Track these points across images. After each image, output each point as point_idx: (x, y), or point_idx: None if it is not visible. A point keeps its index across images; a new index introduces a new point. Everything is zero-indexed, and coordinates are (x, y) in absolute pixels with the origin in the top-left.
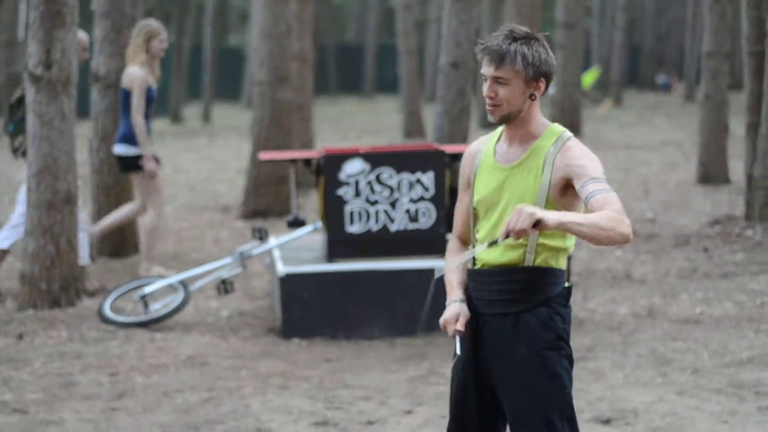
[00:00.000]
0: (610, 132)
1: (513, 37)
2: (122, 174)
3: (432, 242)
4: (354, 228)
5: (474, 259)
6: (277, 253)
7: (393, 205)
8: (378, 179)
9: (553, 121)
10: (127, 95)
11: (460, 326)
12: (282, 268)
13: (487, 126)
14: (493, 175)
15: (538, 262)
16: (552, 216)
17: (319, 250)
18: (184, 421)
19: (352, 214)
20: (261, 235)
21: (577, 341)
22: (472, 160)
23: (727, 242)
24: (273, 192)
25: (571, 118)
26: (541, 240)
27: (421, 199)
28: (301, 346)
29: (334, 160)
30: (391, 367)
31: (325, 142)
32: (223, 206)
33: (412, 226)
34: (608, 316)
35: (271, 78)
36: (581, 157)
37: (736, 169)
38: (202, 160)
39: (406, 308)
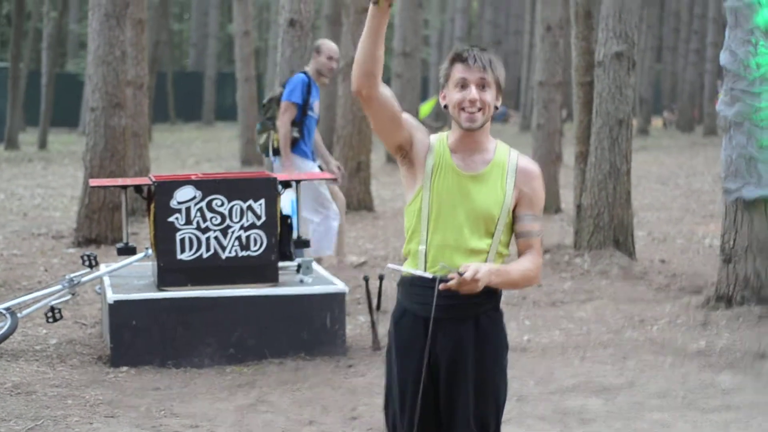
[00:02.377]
0: None
1: (484, 49)
2: None
3: (263, 270)
4: (185, 255)
5: (426, 262)
6: (107, 281)
7: (224, 232)
8: (209, 206)
9: None
10: None
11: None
12: (112, 295)
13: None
14: (452, 179)
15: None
16: (488, 280)
17: (150, 277)
18: None
19: (183, 241)
20: (91, 262)
21: None
22: (428, 145)
23: (557, 270)
24: (106, 219)
25: None
26: (499, 248)
27: (253, 226)
28: (129, 374)
29: (166, 187)
30: (220, 396)
31: (163, 169)
32: (56, 233)
33: (243, 253)
34: None
35: (105, 104)
36: (538, 189)
37: (567, 198)
38: (36, 187)
39: (235, 336)
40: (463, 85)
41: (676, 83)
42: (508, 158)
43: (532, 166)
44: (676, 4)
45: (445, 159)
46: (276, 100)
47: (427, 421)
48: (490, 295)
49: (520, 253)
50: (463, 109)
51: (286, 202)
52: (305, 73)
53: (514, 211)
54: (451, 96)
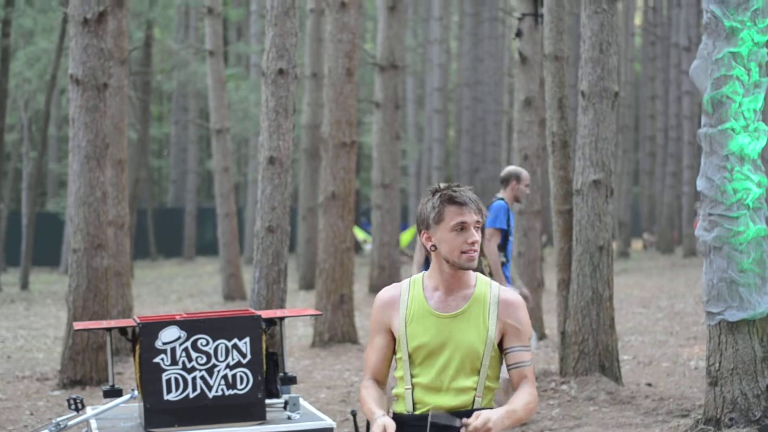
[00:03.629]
0: None
1: (467, 188)
2: None
3: (250, 408)
4: (171, 396)
5: (414, 404)
6: (94, 424)
7: (210, 371)
8: (195, 346)
9: (373, 281)
10: None
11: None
12: None
13: (307, 287)
14: (432, 323)
15: (484, 403)
16: (501, 426)
17: (137, 419)
18: None
19: (169, 381)
20: (77, 406)
21: None
22: (393, 306)
23: (544, 398)
24: (91, 360)
25: (390, 276)
26: (487, 383)
27: (239, 364)
28: None
29: (150, 329)
30: None
31: (145, 306)
32: (40, 375)
33: (230, 392)
34: None
35: (87, 245)
36: (522, 319)
37: (550, 324)
38: (19, 328)
39: None
40: (462, 228)
41: (654, 206)
42: (489, 292)
43: (514, 297)
44: (651, 128)
45: (420, 304)
46: None
47: None
48: None
49: (514, 385)
50: (463, 252)
51: None
52: (502, 199)
53: (501, 344)
54: (447, 239)
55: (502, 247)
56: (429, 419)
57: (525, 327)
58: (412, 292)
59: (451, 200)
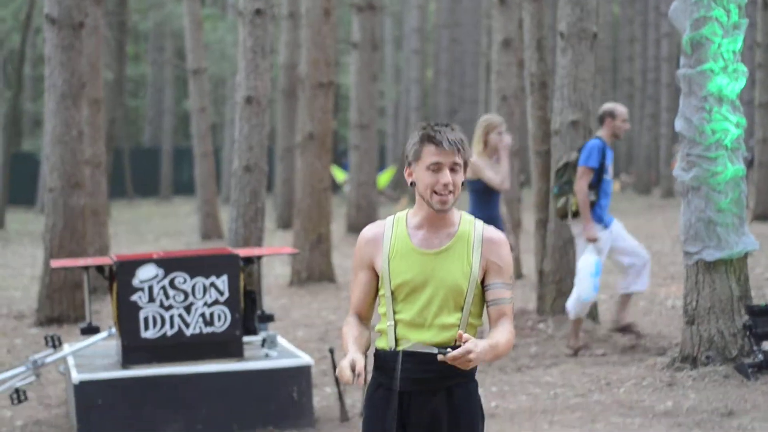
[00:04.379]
0: None
1: (452, 128)
2: None
3: (227, 345)
4: (149, 333)
5: (397, 340)
6: (71, 361)
7: (188, 309)
8: (172, 284)
9: (350, 220)
10: (469, 184)
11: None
12: (76, 375)
13: (284, 227)
14: (414, 259)
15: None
16: (482, 358)
17: (115, 356)
18: None
19: (146, 319)
20: (54, 343)
21: None
22: (376, 243)
23: (521, 336)
24: (68, 298)
25: (367, 216)
26: (471, 320)
27: (216, 302)
28: None
29: (127, 266)
30: None
31: (122, 245)
32: (17, 313)
33: (207, 329)
34: None
35: (64, 184)
36: (504, 257)
37: (528, 263)
38: None
39: (203, 412)
40: (436, 168)
41: (632, 147)
42: (473, 230)
43: (497, 234)
44: (630, 70)
45: (403, 241)
46: (572, 165)
47: None
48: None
49: (492, 321)
50: (435, 192)
51: (590, 263)
52: (599, 137)
53: (483, 281)
54: (422, 177)
55: (595, 186)
56: (400, 356)
57: (507, 265)
58: (395, 230)
59: (430, 139)
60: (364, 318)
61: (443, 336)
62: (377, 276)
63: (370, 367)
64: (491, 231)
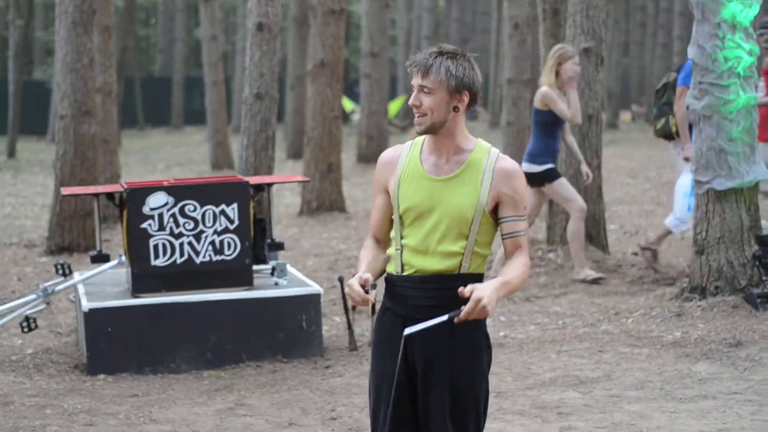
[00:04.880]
0: None
1: (440, 53)
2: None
3: (237, 273)
4: (159, 261)
5: (402, 265)
6: (81, 289)
7: (198, 237)
8: (182, 212)
9: (361, 150)
10: (537, 114)
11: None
12: (86, 303)
13: (295, 157)
14: (424, 185)
15: (471, 269)
16: (495, 299)
17: (125, 284)
18: None
19: (156, 247)
20: (65, 271)
21: None
22: (391, 167)
23: (530, 266)
24: (78, 227)
25: (378, 146)
26: (476, 249)
27: (226, 230)
28: (107, 381)
29: (138, 194)
30: (198, 400)
31: (132, 174)
32: (27, 242)
33: (217, 257)
34: None
35: (75, 112)
36: (518, 189)
37: None
38: (6, 196)
39: (212, 340)
40: (413, 89)
41: (644, 77)
42: (486, 158)
43: (511, 165)
44: None
45: (414, 166)
46: (671, 86)
47: (404, 419)
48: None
49: (507, 254)
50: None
51: (686, 183)
52: None
53: (496, 212)
54: None
55: None
56: (403, 340)
57: (521, 196)
58: (410, 154)
59: (411, 61)
60: (382, 242)
61: (445, 264)
62: (388, 197)
63: (380, 295)
64: (505, 161)
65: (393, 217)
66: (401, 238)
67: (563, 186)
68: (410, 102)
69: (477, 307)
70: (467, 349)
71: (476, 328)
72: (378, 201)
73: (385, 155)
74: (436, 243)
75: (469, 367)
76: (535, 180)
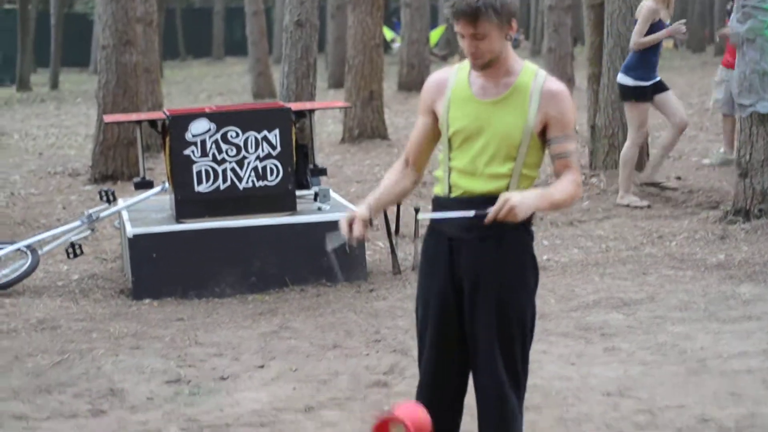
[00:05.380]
0: None
1: None
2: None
3: (280, 199)
4: (202, 187)
5: (450, 187)
6: (126, 215)
7: (240, 163)
8: (224, 138)
9: (402, 79)
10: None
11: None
12: (131, 229)
13: (336, 86)
14: (472, 108)
15: (519, 190)
16: (529, 206)
17: (168, 210)
18: (35, 385)
19: (199, 173)
20: (109, 198)
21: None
22: (440, 89)
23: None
24: (121, 155)
25: (419, 74)
26: (524, 171)
27: (268, 156)
28: (152, 306)
29: (180, 121)
30: (243, 324)
31: (174, 105)
32: (72, 171)
33: (260, 183)
34: None
35: (116, 41)
36: (566, 110)
37: (580, 119)
38: (50, 127)
39: (256, 265)
40: (462, 36)
41: (686, 3)
42: (534, 81)
43: (558, 87)
44: None
45: (463, 89)
46: None
47: (450, 338)
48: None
49: (557, 174)
50: (470, 56)
51: None
52: None
53: (545, 134)
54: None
55: None
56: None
57: (568, 117)
58: (458, 76)
59: (451, 9)
60: (414, 164)
61: (493, 185)
62: (436, 122)
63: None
64: (552, 83)
65: (441, 140)
66: (449, 160)
67: (640, 109)
68: (466, 51)
69: (505, 207)
70: (514, 267)
71: (523, 247)
72: (420, 121)
73: (434, 77)
74: (484, 165)
75: (515, 285)
76: (625, 93)
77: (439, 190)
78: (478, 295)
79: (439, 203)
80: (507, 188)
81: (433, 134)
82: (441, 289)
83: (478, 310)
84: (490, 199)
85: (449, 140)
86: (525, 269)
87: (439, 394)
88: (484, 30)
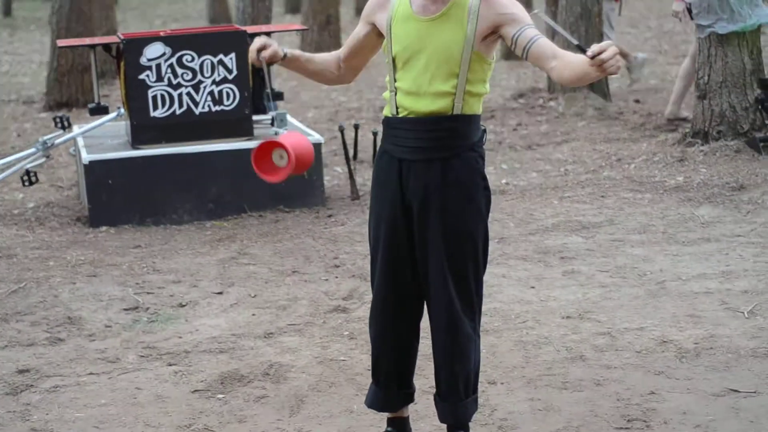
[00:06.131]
0: None
1: None
2: None
3: (237, 124)
4: (158, 112)
5: (397, 108)
6: (81, 141)
7: (196, 88)
8: (180, 62)
9: (359, 3)
10: None
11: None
12: (86, 156)
13: (293, 11)
14: (412, 26)
15: (465, 109)
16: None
17: (124, 136)
18: None
19: (155, 98)
20: (64, 124)
21: None
22: (383, 5)
23: (532, 114)
24: (76, 82)
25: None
26: (468, 87)
27: (225, 80)
28: (109, 233)
29: (135, 44)
30: (201, 250)
31: (130, 30)
32: (26, 99)
33: (216, 108)
34: None
35: None
36: (510, 6)
37: None
38: (3, 54)
39: (213, 191)
40: None
41: None
42: None
43: None
44: None
45: (405, 7)
46: None
47: (401, 260)
48: (459, 137)
49: (546, 58)
50: None
51: None
52: None
53: (503, 35)
54: None
55: None
56: (581, 50)
57: (518, 10)
58: None
59: None
60: (344, 61)
61: (438, 104)
62: (373, 33)
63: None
64: None
65: (387, 60)
66: (395, 81)
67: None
68: None
69: (615, 55)
70: (463, 189)
71: (472, 169)
72: (358, 28)
73: None
74: (428, 83)
75: (464, 205)
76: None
77: (387, 111)
78: (426, 218)
79: (388, 124)
80: (453, 107)
81: (368, 43)
82: (391, 212)
83: (428, 233)
84: (436, 119)
85: (393, 60)
86: (475, 191)
87: (391, 318)
88: None
